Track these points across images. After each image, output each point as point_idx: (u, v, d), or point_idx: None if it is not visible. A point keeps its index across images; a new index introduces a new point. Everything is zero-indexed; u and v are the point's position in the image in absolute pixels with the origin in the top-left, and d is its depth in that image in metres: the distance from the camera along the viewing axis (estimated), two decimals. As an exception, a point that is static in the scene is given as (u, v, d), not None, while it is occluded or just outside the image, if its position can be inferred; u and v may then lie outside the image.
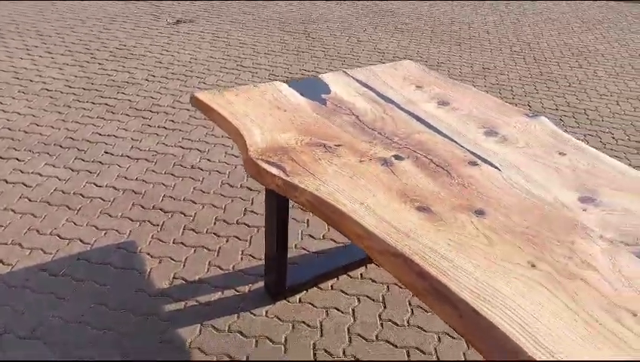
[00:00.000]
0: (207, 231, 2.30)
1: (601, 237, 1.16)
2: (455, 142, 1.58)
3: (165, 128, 3.27)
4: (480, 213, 1.23)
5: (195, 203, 2.51)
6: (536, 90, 4.30)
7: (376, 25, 6.14)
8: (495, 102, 1.90)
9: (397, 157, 1.46)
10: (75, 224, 2.31)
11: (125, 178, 2.68)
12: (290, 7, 6.82)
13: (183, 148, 3.03)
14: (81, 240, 2.20)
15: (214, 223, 2.36)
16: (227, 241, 2.24)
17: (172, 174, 2.74)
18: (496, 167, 1.44)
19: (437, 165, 1.43)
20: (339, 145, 1.51)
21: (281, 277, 1.93)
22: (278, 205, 1.79)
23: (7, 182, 2.60)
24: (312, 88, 1.91)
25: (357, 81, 2.01)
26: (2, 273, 2.00)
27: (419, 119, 1.72)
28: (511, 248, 1.11)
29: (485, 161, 1.47)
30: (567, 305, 0.97)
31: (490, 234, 1.15)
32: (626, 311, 0.96)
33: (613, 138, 3.51)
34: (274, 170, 1.35)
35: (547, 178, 1.41)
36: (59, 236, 2.22)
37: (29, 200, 2.46)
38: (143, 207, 2.45)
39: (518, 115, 1.79)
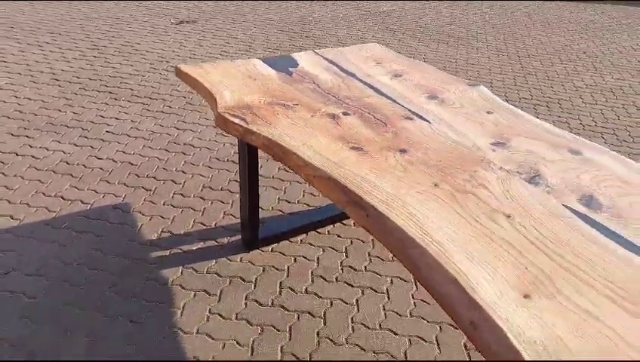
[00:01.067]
0: (194, 196, 2.56)
1: (501, 168, 1.40)
2: (398, 103, 1.83)
3: (163, 112, 3.54)
4: (403, 151, 1.47)
5: (185, 173, 2.77)
6: (514, 83, 4.53)
7: (369, 25, 6.41)
8: (444, 75, 2.15)
9: (345, 113, 1.71)
10: (77, 189, 2.58)
11: (124, 152, 2.95)
12: (291, 8, 7.12)
13: (177, 129, 3.30)
14: (81, 201, 2.47)
15: (201, 190, 2.62)
16: (211, 204, 2.50)
17: (166, 150, 3.01)
18: (427, 121, 1.69)
19: (377, 119, 1.68)
20: (296, 105, 1.76)
21: (254, 228, 2.18)
22: (249, 151, 2.05)
23: (17, 154, 2.88)
24: (283, 63, 2.16)
25: (324, 58, 2.26)
26: (11, 226, 2.27)
27: (371, 87, 1.97)
28: (422, 175, 1.36)
29: (420, 116, 1.72)
30: (455, 210, 1.21)
31: (407, 165, 1.40)
32: (502, 214, 1.20)
33: (581, 124, 3.73)
34: (236, 120, 1.61)
35: (471, 129, 1.65)
36: (62, 198, 2.49)
37: (37, 169, 2.74)
38: (137, 176, 2.71)
39: (460, 84, 2.04)
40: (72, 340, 1.71)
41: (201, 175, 2.76)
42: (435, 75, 2.15)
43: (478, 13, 7.36)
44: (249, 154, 2.08)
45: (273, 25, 6.19)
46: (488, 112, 1.80)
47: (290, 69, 2.11)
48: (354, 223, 2.40)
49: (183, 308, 1.87)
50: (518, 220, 1.18)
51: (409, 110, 1.78)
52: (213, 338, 1.74)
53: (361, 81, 2.04)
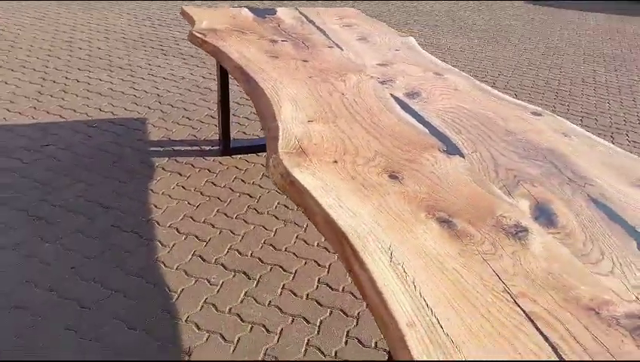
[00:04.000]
0: (196, 120, 3.21)
1: (368, 76, 1.89)
2: (330, 39, 2.35)
3: (197, 66, 4.25)
4: (305, 61, 2.00)
5: (196, 105, 3.44)
6: (498, 70, 4.81)
7: (412, 20, 6.84)
8: (387, 29, 2.62)
9: (283, 40, 2.27)
10: (112, 105, 3.32)
11: (156, 88, 3.68)
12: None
13: (204, 78, 3.99)
14: (112, 113, 3.21)
15: (204, 116, 3.27)
16: (208, 126, 3.13)
17: (188, 90, 3.70)
18: (341, 49, 2.20)
19: (305, 45, 2.22)
20: (251, 33, 2.34)
21: (226, 139, 2.78)
22: (222, 75, 2.67)
23: (77, 81, 3.68)
24: (263, 12, 2.76)
25: (299, 12, 2.82)
26: (60, 122, 3.02)
27: (320, 30, 2.50)
28: (304, 72, 1.89)
29: (339, 46, 2.24)
30: (310, 87, 1.72)
31: (301, 67, 1.92)
32: (340, 93, 1.69)
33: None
34: (199, 35, 2.21)
35: (370, 55, 2.14)
36: (99, 109, 3.24)
37: (88, 91, 3.52)
38: (160, 103, 3.42)
39: (393, 35, 2.51)
40: (76, 186, 2.38)
41: (208, 107, 3.42)
42: (381, 28, 2.64)
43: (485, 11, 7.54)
44: (222, 77, 2.70)
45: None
46: (396, 50, 2.27)
47: (267, 16, 2.69)
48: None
49: (159, 180, 2.51)
50: (348, 96, 1.69)
51: (334, 42, 2.31)
52: (172, 198, 2.36)
53: (316, 26, 2.58)
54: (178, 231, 2.16)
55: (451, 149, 1.39)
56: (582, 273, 0.95)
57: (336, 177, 1.20)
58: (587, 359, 0.76)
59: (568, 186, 1.25)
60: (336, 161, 1.27)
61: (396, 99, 1.72)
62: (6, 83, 3.55)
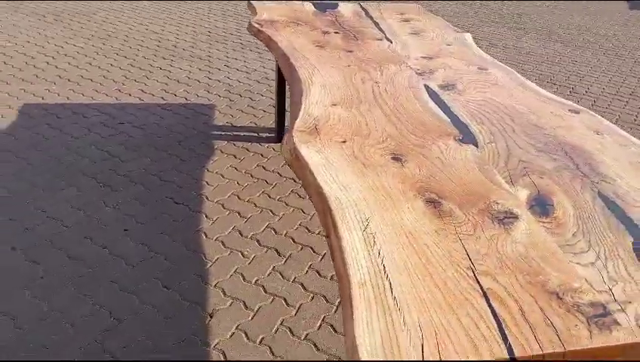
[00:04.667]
0: (260, 109, 3.37)
1: (408, 67, 1.90)
2: (382, 32, 2.38)
3: (270, 60, 4.44)
4: (350, 51, 2.05)
5: (262, 95, 3.61)
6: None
7: (493, 22, 6.60)
8: (442, 23, 2.61)
9: (336, 32, 2.33)
10: (187, 92, 3.57)
11: (228, 78, 3.91)
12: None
13: (274, 71, 4.16)
14: (185, 99, 3.45)
15: (267, 105, 3.42)
16: (269, 115, 3.28)
17: (257, 81, 3.89)
18: (390, 42, 2.22)
19: (354, 37, 2.27)
20: (307, 24, 2.42)
21: (280, 127, 2.91)
22: (279, 71, 2.77)
23: (160, 68, 4.00)
24: (326, 5, 2.84)
25: (361, 7, 2.87)
26: (130, 102, 3.31)
27: (375, 24, 2.53)
28: (345, 60, 1.94)
29: (388, 39, 2.26)
30: (346, 74, 1.77)
31: (344, 57, 1.98)
32: (373, 82, 1.73)
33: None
34: (256, 25, 2.34)
35: (417, 49, 2.15)
36: (175, 94, 3.50)
37: (168, 78, 3.82)
38: (229, 92, 3.63)
39: (449, 30, 2.49)
40: (141, 160, 2.62)
41: (272, 98, 3.58)
42: (437, 24, 2.62)
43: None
44: (279, 69, 2.81)
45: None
46: (447, 45, 2.25)
47: (327, 10, 2.77)
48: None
49: (215, 160, 2.69)
50: (380, 84, 1.73)
51: (385, 35, 2.34)
52: (223, 177, 2.52)
53: (372, 20, 2.61)
54: (223, 207, 2.31)
55: (467, 139, 1.39)
56: (559, 261, 0.94)
57: (339, 155, 1.25)
58: (531, 337, 0.76)
59: (579, 181, 1.21)
60: (345, 141, 1.33)
61: (429, 89, 1.73)
62: (99, 67, 3.94)
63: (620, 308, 0.83)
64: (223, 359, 1.55)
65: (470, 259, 0.92)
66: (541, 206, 1.10)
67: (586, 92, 4.18)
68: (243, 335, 1.66)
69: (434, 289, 0.85)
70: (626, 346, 0.77)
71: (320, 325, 1.70)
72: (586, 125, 1.53)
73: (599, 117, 1.59)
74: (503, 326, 0.78)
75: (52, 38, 4.53)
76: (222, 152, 2.80)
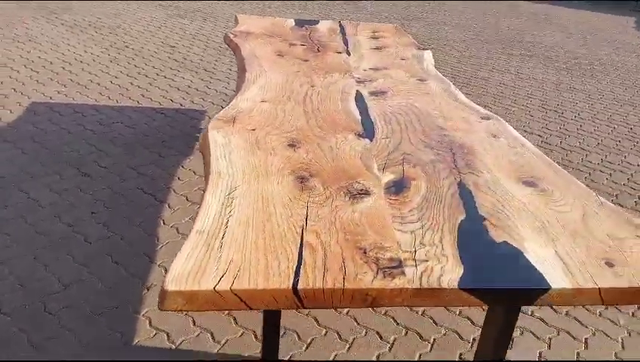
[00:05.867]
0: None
1: (352, 77, 2.06)
2: (347, 47, 2.56)
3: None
4: (305, 60, 2.24)
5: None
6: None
7: (496, 48, 6.70)
8: (409, 42, 2.78)
9: (302, 44, 2.52)
10: (183, 99, 3.82)
11: (226, 88, 4.15)
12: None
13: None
14: (180, 105, 3.69)
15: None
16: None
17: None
18: (349, 54, 2.39)
19: (318, 50, 2.45)
20: (277, 37, 2.63)
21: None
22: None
23: (165, 77, 4.28)
24: (306, 22, 3.04)
25: (340, 24, 3.05)
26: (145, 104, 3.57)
27: (344, 39, 2.72)
28: (303, 67, 2.10)
29: (348, 52, 2.44)
30: (282, 69, 1.94)
31: (299, 65, 2.15)
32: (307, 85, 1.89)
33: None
34: (230, 36, 2.55)
35: (372, 61, 2.31)
36: (172, 100, 3.75)
37: (170, 86, 4.09)
38: (223, 100, 3.86)
39: (411, 48, 2.65)
40: (124, 155, 2.85)
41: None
42: (404, 42, 2.78)
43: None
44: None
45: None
46: (402, 59, 2.40)
47: (306, 25, 2.97)
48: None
49: (191, 159, 2.90)
50: (316, 88, 1.91)
51: (347, 49, 2.52)
52: (195, 174, 2.71)
53: (343, 36, 2.80)
54: (187, 199, 2.51)
55: (366, 134, 1.54)
56: (384, 228, 1.07)
57: (242, 140, 1.42)
58: (320, 276, 0.90)
59: (448, 172, 1.34)
60: (254, 130, 1.50)
61: (358, 94, 1.89)
62: (109, 74, 4.26)
63: (413, 264, 0.96)
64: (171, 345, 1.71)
65: (306, 220, 1.07)
66: (397, 187, 1.24)
67: (592, 118, 4.23)
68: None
69: (260, 238, 1.00)
70: (403, 290, 0.90)
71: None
72: (488, 130, 1.65)
73: (505, 124, 1.71)
74: (301, 266, 0.92)
75: (73, 47, 4.90)
76: (200, 152, 3.01)
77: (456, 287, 0.91)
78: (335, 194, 1.19)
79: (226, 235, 1.00)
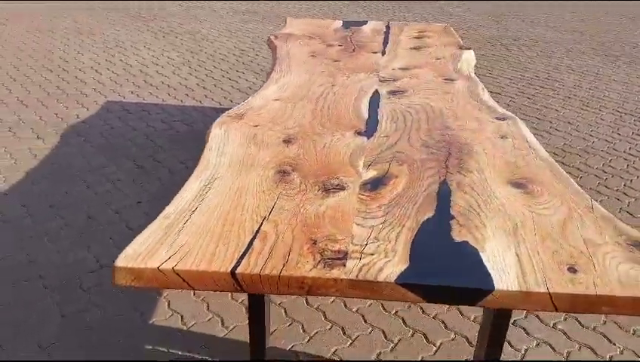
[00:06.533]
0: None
1: (378, 76, 2.05)
2: (384, 47, 2.56)
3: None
4: (337, 60, 2.26)
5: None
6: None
7: (586, 48, 6.23)
8: (453, 41, 2.72)
9: (340, 45, 2.55)
10: (243, 99, 3.99)
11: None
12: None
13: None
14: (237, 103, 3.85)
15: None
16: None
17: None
18: (384, 54, 2.37)
19: (353, 50, 2.47)
20: (318, 38, 2.67)
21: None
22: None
23: (230, 79, 4.50)
24: (353, 24, 3.07)
25: (387, 25, 3.04)
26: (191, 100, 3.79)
27: (385, 39, 2.71)
28: (331, 67, 2.14)
29: (384, 52, 2.43)
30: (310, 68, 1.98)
31: (328, 65, 2.19)
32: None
33: None
34: (271, 37, 2.65)
35: (405, 61, 2.32)
36: (232, 100, 3.93)
37: (232, 87, 4.28)
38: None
39: (453, 48, 2.59)
40: (176, 150, 3.04)
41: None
42: (447, 42, 2.73)
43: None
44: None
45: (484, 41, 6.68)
46: (437, 58, 2.35)
47: (351, 27, 2.99)
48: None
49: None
50: (335, 88, 1.95)
51: (383, 49, 2.53)
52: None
53: (386, 36, 2.78)
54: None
55: (367, 132, 1.54)
56: (344, 221, 1.09)
57: (240, 134, 1.49)
58: (262, 263, 0.94)
59: (436, 171, 1.32)
60: (257, 126, 1.56)
61: (376, 93, 1.89)
62: (179, 75, 4.55)
63: (358, 257, 0.97)
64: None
65: (270, 212, 1.11)
66: (374, 184, 1.24)
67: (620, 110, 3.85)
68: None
69: (219, 225, 1.06)
70: (338, 281, 0.91)
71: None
72: (498, 130, 1.58)
73: (520, 125, 1.63)
74: (247, 253, 0.97)
75: (153, 51, 5.29)
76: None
77: (392, 282, 0.91)
78: (310, 188, 1.22)
79: (189, 221, 1.07)
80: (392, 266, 0.95)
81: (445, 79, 2.08)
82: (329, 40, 2.70)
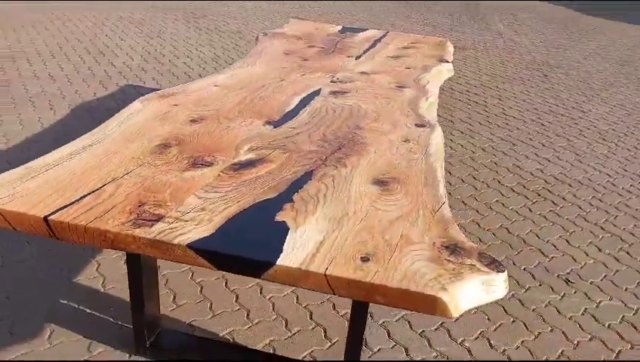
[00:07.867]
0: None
1: (331, 77, 2.09)
2: (364, 53, 2.57)
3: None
4: (305, 60, 2.31)
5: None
6: None
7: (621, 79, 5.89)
8: (437, 54, 2.69)
9: (322, 47, 2.60)
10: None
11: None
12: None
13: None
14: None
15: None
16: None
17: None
18: (357, 59, 2.40)
19: (331, 53, 2.50)
20: (306, 40, 2.74)
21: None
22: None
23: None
24: (352, 30, 3.11)
25: (382, 34, 3.05)
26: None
27: (370, 46, 2.72)
28: (294, 65, 2.19)
29: (358, 57, 2.44)
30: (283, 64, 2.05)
31: (294, 63, 2.24)
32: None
33: None
34: (261, 35, 2.72)
35: (372, 66, 2.33)
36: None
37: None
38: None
39: (432, 60, 2.56)
40: None
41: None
42: (432, 53, 2.70)
43: None
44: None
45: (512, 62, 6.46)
46: (407, 67, 2.35)
47: (348, 32, 3.03)
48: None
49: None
50: (283, 82, 2.00)
51: (361, 55, 2.56)
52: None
53: (375, 43, 2.80)
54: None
55: (277, 123, 1.59)
56: (185, 194, 1.15)
57: (155, 109, 1.60)
58: (80, 212, 1.01)
59: (310, 163, 1.35)
60: (176, 105, 1.65)
61: (317, 92, 1.92)
62: (204, 69, 4.76)
63: (170, 222, 1.02)
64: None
65: (124, 175, 1.19)
66: (242, 166, 1.29)
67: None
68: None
69: (70, 179, 1.15)
70: (136, 238, 0.97)
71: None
72: (406, 135, 1.58)
73: (437, 133, 1.61)
74: (72, 204, 1.05)
75: (190, 45, 5.55)
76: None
77: (184, 245, 0.96)
78: (178, 161, 1.29)
79: (46, 173, 1.17)
80: (196, 233, 1.00)
81: (398, 86, 2.08)
82: (315, 42, 2.76)
